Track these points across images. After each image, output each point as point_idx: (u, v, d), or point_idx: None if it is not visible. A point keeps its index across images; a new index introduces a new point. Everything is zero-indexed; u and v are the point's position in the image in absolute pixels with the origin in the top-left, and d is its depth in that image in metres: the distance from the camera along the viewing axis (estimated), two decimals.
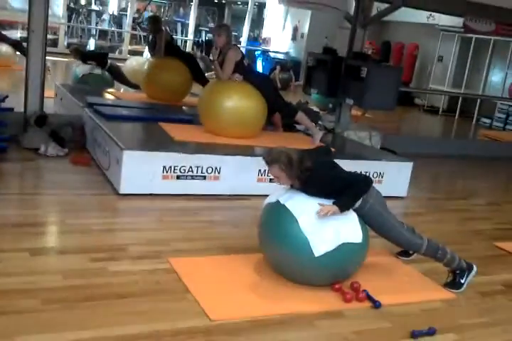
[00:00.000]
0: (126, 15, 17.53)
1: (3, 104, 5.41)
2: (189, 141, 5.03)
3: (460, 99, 12.79)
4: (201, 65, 7.59)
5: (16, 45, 11.31)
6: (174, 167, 4.46)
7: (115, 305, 2.73)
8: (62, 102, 6.94)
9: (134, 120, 5.68)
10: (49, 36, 6.34)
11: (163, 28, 7.38)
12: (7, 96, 5.28)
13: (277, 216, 3.19)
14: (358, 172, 4.80)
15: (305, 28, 16.18)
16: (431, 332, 2.85)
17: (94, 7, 19.69)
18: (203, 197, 4.57)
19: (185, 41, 17.38)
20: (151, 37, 7.33)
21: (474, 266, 3.48)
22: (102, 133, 4.95)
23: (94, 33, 18.28)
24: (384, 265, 3.68)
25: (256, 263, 3.39)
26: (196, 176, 4.56)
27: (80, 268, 3.07)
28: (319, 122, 7.01)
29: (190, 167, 4.52)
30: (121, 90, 8.55)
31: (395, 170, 5.39)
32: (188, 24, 17.92)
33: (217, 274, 3.22)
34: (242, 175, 4.73)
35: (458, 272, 3.45)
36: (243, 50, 6.38)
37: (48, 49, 5.71)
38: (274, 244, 3.20)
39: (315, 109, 8.46)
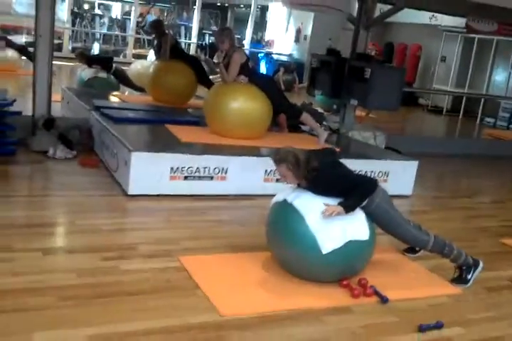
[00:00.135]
0: (130, 19, 17.64)
1: (11, 108, 5.47)
2: (196, 142, 5.09)
3: (464, 98, 12.83)
4: (205, 67, 7.64)
5: (21, 50, 11.42)
6: (181, 168, 4.51)
7: (127, 302, 2.79)
8: (69, 106, 7.02)
9: (141, 122, 5.75)
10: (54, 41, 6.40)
11: (168, 31, 7.44)
12: (15, 100, 5.34)
13: (285, 214, 3.24)
14: (364, 171, 4.90)
15: (308, 30, 16.25)
16: (438, 326, 2.90)
17: (97, 11, 19.84)
18: (210, 197, 4.62)
19: (189, 44, 17.46)
20: (156, 41, 7.39)
21: (480, 262, 3.53)
22: (109, 136, 5.02)
23: (99, 37, 18.39)
24: (391, 262, 3.72)
25: (264, 261, 3.44)
26: (203, 177, 4.62)
27: (91, 266, 3.13)
28: (324, 123, 7.05)
29: (198, 168, 4.57)
30: (126, 93, 8.61)
31: (400, 169, 5.43)
32: (191, 27, 18.01)
33: (226, 271, 3.27)
34: (248, 175, 4.78)
35: (464, 268, 3.49)
36: (246, 52, 6.42)
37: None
38: (282, 242, 3.24)
39: (319, 110, 8.51)
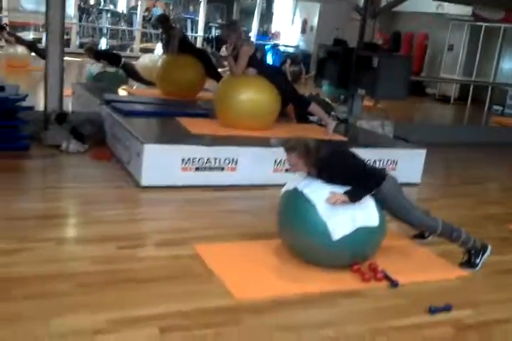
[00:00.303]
0: (136, 13, 17.69)
1: (23, 103, 5.57)
2: (206, 134, 5.17)
3: (471, 87, 12.81)
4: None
5: (31, 46, 11.56)
6: (193, 159, 4.59)
7: (144, 288, 2.88)
8: (80, 100, 7.11)
9: (152, 115, 5.83)
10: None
11: (175, 25, 7.50)
12: (27, 95, 5.44)
13: (296, 202, 3.31)
14: (372, 160, 4.97)
15: (314, 21, 16.25)
16: (448, 308, 2.97)
17: (104, 6, 19.88)
18: (221, 188, 4.70)
19: (195, 38, 17.51)
20: (163, 35, 7.46)
21: (489, 246, 3.58)
22: (121, 129, 5.11)
23: (106, 32, 18.46)
24: (400, 247, 3.79)
25: (275, 248, 3.52)
26: (214, 168, 4.70)
27: (108, 254, 3.23)
28: (332, 113, 7.10)
29: (208, 159, 4.65)
30: (134, 87, 8.68)
31: (408, 157, 5.48)
32: (197, 21, 18.05)
33: (240, 258, 3.35)
34: (258, 166, 4.86)
35: (473, 252, 3.55)
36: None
37: None
38: (294, 230, 3.32)
39: (327, 100, 8.55)
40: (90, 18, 18.66)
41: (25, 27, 17.08)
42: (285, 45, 16.91)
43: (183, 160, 4.57)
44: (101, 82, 8.01)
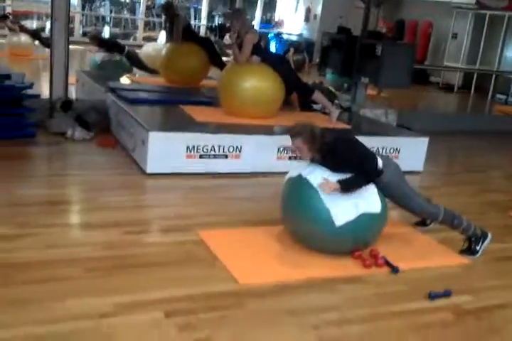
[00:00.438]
0: (140, 2, 17.64)
1: (29, 91, 5.61)
2: (210, 121, 5.21)
3: (475, 75, 12.78)
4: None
5: (34, 34, 11.59)
6: (197, 146, 4.64)
7: (151, 272, 2.94)
8: (84, 88, 7.15)
9: (156, 103, 5.87)
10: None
11: (179, 13, 7.51)
12: (33, 84, 5.48)
13: (300, 189, 3.35)
14: (376, 148, 5.00)
15: (318, 9, 16.19)
16: (447, 294, 3.02)
17: None
18: (225, 175, 4.76)
19: (199, 26, 17.47)
20: (167, 23, 7.47)
21: (489, 234, 3.62)
22: (126, 117, 5.15)
23: (109, 20, 18.43)
24: (402, 234, 3.84)
25: (279, 235, 3.57)
26: (218, 155, 4.75)
27: (116, 240, 3.29)
28: (335, 101, 7.13)
29: (213, 146, 4.70)
30: (137, 75, 8.68)
31: (411, 145, 5.52)
32: (200, 9, 17.99)
33: (243, 244, 3.41)
34: (262, 154, 4.90)
35: (473, 239, 3.60)
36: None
37: None
38: (297, 216, 3.37)
39: (330, 88, 8.57)
40: (93, 7, 18.63)
41: (28, 15, 17.07)
42: (288, 34, 16.86)
43: (187, 147, 4.62)
44: (105, 70, 8.04)
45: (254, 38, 5.50)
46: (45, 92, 6.34)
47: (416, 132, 6.00)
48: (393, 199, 3.51)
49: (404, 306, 2.90)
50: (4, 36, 11.92)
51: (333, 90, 7.92)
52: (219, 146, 4.73)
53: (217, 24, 17.78)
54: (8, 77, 5.27)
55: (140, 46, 11.24)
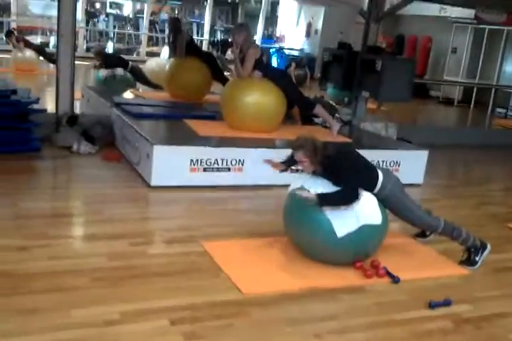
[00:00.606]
0: (143, 17, 17.87)
1: (35, 106, 5.71)
2: (213, 135, 5.30)
3: (475, 89, 12.90)
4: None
5: (39, 50, 11.73)
6: (201, 160, 4.73)
7: (155, 282, 3.01)
8: (90, 103, 7.25)
9: (160, 117, 5.98)
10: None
11: (183, 29, 7.64)
12: (39, 98, 5.58)
13: (302, 200, 3.42)
14: (376, 161, 5.07)
15: (319, 25, 16.38)
16: (447, 303, 3.08)
17: (110, 10, 20.09)
18: (228, 188, 4.83)
19: (201, 41, 17.67)
20: (171, 38, 7.60)
21: (488, 245, 3.68)
22: (131, 131, 5.24)
23: (112, 36, 18.64)
24: (402, 245, 3.90)
25: (281, 246, 3.64)
26: (221, 168, 4.83)
27: (121, 251, 3.35)
28: (336, 115, 7.23)
29: (216, 160, 4.79)
30: (140, 90, 8.79)
31: (410, 158, 5.60)
32: (203, 24, 18.22)
33: (247, 255, 3.48)
34: (264, 167, 4.94)
35: (473, 250, 3.65)
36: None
37: None
38: (299, 227, 3.44)
39: (331, 102, 8.68)
40: (97, 22, 18.87)
41: (32, 31, 17.28)
42: (290, 49, 17.04)
43: (191, 160, 4.70)
44: (109, 85, 8.17)
45: (256, 53, 5.60)
46: (49, 107, 6.44)
47: (416, 145, 6.08)
48: (393, 211, 3.57)
49: (405, 315, 2.95)
50: (9, 51, 12.08)
51: (333, 104, 8.03)
52: (222, 160, 4.81)
53: (219, 39, 17.99)
54: (14, 92, 5.37)
55: (143, 61, 11.38)
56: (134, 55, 16.74)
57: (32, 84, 7.86)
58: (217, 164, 4.81)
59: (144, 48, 17.09)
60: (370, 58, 6.96)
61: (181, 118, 5.86)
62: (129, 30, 19.22)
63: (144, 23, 17.36)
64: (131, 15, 20.32)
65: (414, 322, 2.89)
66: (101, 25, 18.95)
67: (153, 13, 18.58)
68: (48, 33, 17.44)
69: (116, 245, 3.43)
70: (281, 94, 5.61)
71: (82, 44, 16.33)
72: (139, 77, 8.93)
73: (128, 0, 20.50)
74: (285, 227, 3.57)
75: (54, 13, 14.00)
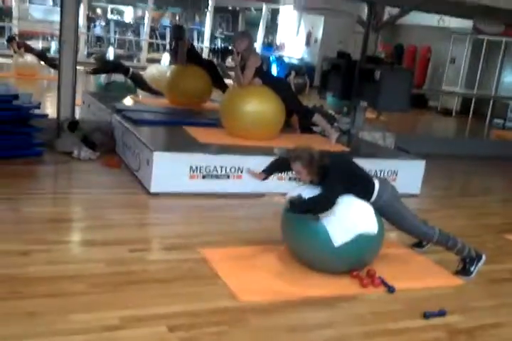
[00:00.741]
0: (144, 24, 17.96)
1: (36, 111, 5.75)
2: (213, 142, 5.34)
3: (473, 100, 12.98)
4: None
5: (40, 55, 11.79)
6: (200, 167, 4.77)
7: (153, 289, 3.04)
8: (90, 109, 7.30)
9: (160, 124, 6.02)
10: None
11: (185, 36, 7.71)
12: (40, 104, 5.62)
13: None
14: (373, 170, 5.11)
15: (318, 34, 16.47)
16: (442, 313, 3.11)
17: (112, 16, 20.20)
18: (227, 195, 4.86)
19: (201, 48, 17.75)
20: (173, 45, 7.66)
21: (483, 255, 3.71)
22: (131, 137, 5.29)
23: (113, 41, 18.73)
24: (398, 255, 3.93)
25: (279, 254, 3.67)
26: (220, 175, 4.86)
27: (120, 257, 3.39)
28: (335, 124, 7.28)
29: (215, 167, 4.83)
30: (140, 96, 8.84)
31: (408, 168, 5.63)
32: (203, 31, 18.31)
33: (244, 262, 3.51)
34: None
35: (468, 260, 3.69)
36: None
37: None
38: (297, 235, 3.48)
39: (330, 111, 8.74)
40: (95, 27, 18.96)
41: (33, 36, 17.36)
42: (290, 57, 17.13)
43: (190, 167, 4.74)
44: (110, 91, 8.22)
45: (257, 61, 5.65)
46: (49, 112, 6.49)
47: (413, 155, 6.13)
48: (390, 220, 3.61)
49: (400, 324, 2.98)
50: (10, 56, 12.14)
51: (332, 113, 8.09)
52: (221, 167, 4.85)
53: (219, 46, 18.08)
54: (16, 97, 5.41)
55: (144, 68, 11.44)
56: (135, 61, 16.80)
57: (32, 89, 7.91)
58: (217, 171, 4.85)
59: (144, 55, 17.16)
60: (368, 68, 7.01)
61: (181, 125, 5.90)
62: (129, 36, 19.29)
63: (145, 30, 17.44)
64: (132, 22, 20.43)
65: (408, 332, 2.92)
66: (98, 30, 19.03)
67: (153, 20, 18.67)
68: (49, 38, 17.51)
69: (115, 251, 3.46)
70: (280, 102, 5.66)
71: (83, 49, 16.39)
72: (139, 83, 8.99)
73: (129, 6, 20.64)
74: (282, 235, 3.60)
75: (55, 18, 14.12)
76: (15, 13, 16.10)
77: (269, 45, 19.17)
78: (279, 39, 18.75)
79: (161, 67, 10.52)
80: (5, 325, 2.54)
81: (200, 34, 18.92)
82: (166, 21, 20.21)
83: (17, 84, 8.59)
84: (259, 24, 18.01)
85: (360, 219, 3.38)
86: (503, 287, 3.66)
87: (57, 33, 5.78)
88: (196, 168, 4.75)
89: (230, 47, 15.15)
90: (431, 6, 7.61)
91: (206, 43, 17.82)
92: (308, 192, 3.43)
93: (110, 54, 16.18)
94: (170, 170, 4.67)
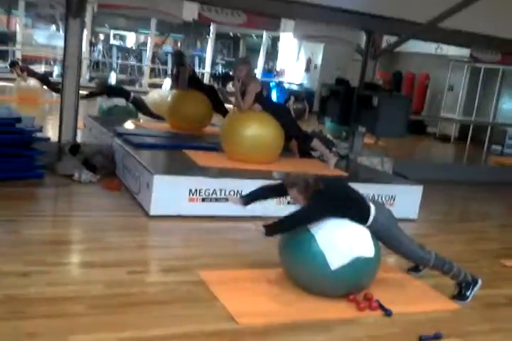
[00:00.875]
0: (146, 49, 18.22)
1: (38, 134, 5.83)
2: (212, 166, 5.41)
3: (471, 126, 13.10)
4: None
5: (42, 79, 11.93)
6: (199, 190, 4.82)
7: (151, 311, 3.06)
8: (92, 132, 7.38)
9: (161, 148, 6.10)
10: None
11: (186, 62, 7.84)
12: (42, 127, 5.70)
13: (296, 233, 3.50)
14: (371, 195, 5.16)
15: (318, 60, 16.71)
16: (437, 337, 3.12)
17: (114, 42, 20.49)
18: (226, 218, 4.90)
19: (203, 74, 17.97)
20: (174, 70, 7.79)
21: (479, 280, 3.74)
22: (132, 160, 5.35)
23: (115, 66, 18.96)
24: (395, 279, 3.95)
25: (276, 277, 3.69)
26: (220, 198, 4.91)
27: (118, 279, 3.41)
28: (333, 149, 7.36)
29: (214, 190, 4.88)
30: (141, 121, 8.93)
31: (405, 193, 5.68)
32: (204, 57, 18.56)
33: (242, 285, 3.53)
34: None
35: (464, 285, 3.71)
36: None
37: None
38: (294, 259, 3.50)
39: (328, 137, 8.83)
40: (100, 53, 19.21)
41: (36, 60, 17.58)
42: (289, 83, 17.33)
43: (190, 190, 4.79)
44: (112, 115, 8.33)
45: (257, 87, 5.76)
46: (50, 134, 6.57)
47: (411, 180, 6.18)
48: (386, 244, 3.64)
49: None
50: (13, 80, 12.28)
51: (331, 138, 8.18)
52: (220, 190, 4.90)
53: (220, 72, 18.30)
54: (19, 120, 5.49)
55: (146, 92, 11.57)
56: (137, 86, 16.99)
57: (34, 113, 8.00)
58: (216, 194, 4.90)
59: (146, 79, 17.37)
60: (366, 94, 7.13)
61: (181, 149, 5.97)
62: (132, 61, 19.55)
63: (147, 55, 17.68)
64: (134, 47, 20.72)
65: None
66: (101, 55, 19.28)
67: (156, 46, 18.94)
68: (52, 63, 17.74)
69: (114, 273, 3.49)
70: (279, 127, 5.75)
71: (85, 74, 16.59)
72: (141, 107, 9.09)
73: (131, 32, 20.96)
74: (280, 259, 3.63)
75: (58, 43, 14.25)
76: (19, 37, 16.34)
77: (269, 71, 19.41)
78: (279, 65, 19.00)
79: (163, 92, 10.64)
80: None
81: (202, 60, 19.17)
82: (168, 47, 20.48)
83: (19, 108, 8.72)
84: (259, 50, 18.27)
85: (357, 243, 3.41)
86: (499, 312, 3.68)
87: (60, 57, 5.90)
88: (196, 190, 4.81)
89: (230, 73, 15.33)
90: (428, 35, 7.75)
91: (207, 69, 18.04)
92: None
93: (112, 79, 16.39)
94: (170, 193, 4.72)
